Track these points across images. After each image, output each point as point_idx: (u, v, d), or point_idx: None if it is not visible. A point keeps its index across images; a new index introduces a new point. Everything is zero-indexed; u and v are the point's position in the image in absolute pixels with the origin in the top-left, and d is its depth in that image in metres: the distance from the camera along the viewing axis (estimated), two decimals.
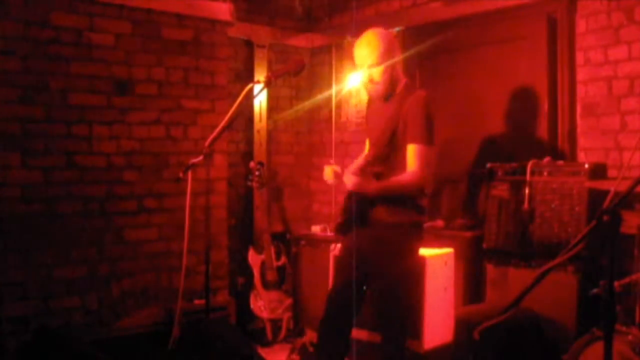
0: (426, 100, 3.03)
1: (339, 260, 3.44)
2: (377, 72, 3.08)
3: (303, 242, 4.61)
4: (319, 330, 3.32)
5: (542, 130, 4.01)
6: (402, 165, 3.03)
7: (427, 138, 3.00)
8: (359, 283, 3.16)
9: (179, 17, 4.33)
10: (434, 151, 3.08)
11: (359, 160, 3.02)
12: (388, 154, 3.08)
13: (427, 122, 3.01)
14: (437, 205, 4.43)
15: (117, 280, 4.06)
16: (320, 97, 5.54)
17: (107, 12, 4.01)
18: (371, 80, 3.12)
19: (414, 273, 3.36)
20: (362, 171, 3.00)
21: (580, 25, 3.79)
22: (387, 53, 3.08)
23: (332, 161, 3.23)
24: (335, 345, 3.25)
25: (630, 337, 2.73)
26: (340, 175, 3.06)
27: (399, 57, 3.19)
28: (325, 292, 3.33)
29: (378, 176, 3.07)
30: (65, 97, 3.86)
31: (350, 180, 2.98)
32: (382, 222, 3.09)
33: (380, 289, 3.19)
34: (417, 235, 3.20)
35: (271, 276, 4.72)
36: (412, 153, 2.99)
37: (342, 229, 3.19)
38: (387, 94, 3.16)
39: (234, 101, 2.87)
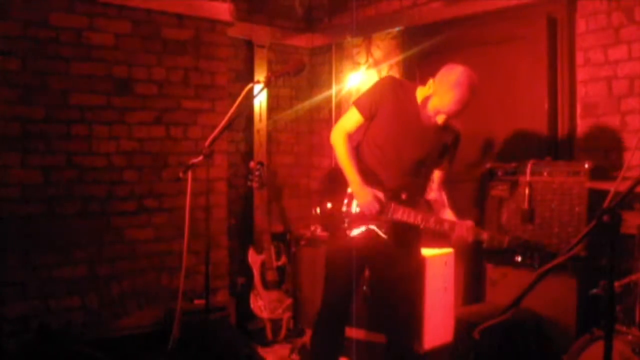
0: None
1: (336, 263, 3.27)
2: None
3: (303, 242, 4.61)
4: (315, 331, 3.33)
5: (542, 130, 4.01)
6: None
7: None
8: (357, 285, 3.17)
9: (179, 17, 4.33)
10: None
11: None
12: (422, 174, 3.19)
13: None
14: None
15: (117, 280, 4.06)
16: (320, 97, 5.55)
17: (107, 12, 4.00)
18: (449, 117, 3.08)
19: (419, 272, 3.45)
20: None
21: (580, 25, 3.79)
22: None
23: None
24: (331, 346, 3.26)
25: (630, 337, 2.73)
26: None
27: None
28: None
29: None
30: (65, 97, 3.85)
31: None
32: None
33: (392, 289, 3.19)
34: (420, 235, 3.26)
35: (271, 276, 4.72)
36: (442, 178, 3.24)
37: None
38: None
39: (234, 101, 2.86)
